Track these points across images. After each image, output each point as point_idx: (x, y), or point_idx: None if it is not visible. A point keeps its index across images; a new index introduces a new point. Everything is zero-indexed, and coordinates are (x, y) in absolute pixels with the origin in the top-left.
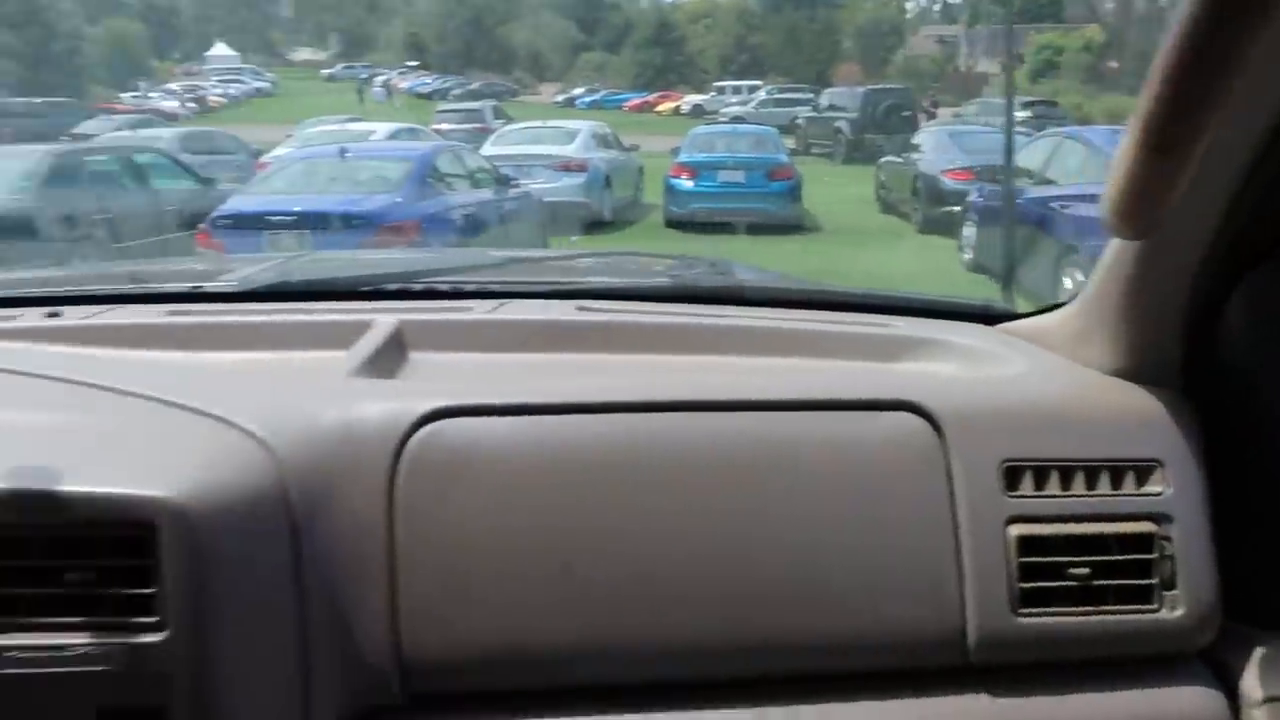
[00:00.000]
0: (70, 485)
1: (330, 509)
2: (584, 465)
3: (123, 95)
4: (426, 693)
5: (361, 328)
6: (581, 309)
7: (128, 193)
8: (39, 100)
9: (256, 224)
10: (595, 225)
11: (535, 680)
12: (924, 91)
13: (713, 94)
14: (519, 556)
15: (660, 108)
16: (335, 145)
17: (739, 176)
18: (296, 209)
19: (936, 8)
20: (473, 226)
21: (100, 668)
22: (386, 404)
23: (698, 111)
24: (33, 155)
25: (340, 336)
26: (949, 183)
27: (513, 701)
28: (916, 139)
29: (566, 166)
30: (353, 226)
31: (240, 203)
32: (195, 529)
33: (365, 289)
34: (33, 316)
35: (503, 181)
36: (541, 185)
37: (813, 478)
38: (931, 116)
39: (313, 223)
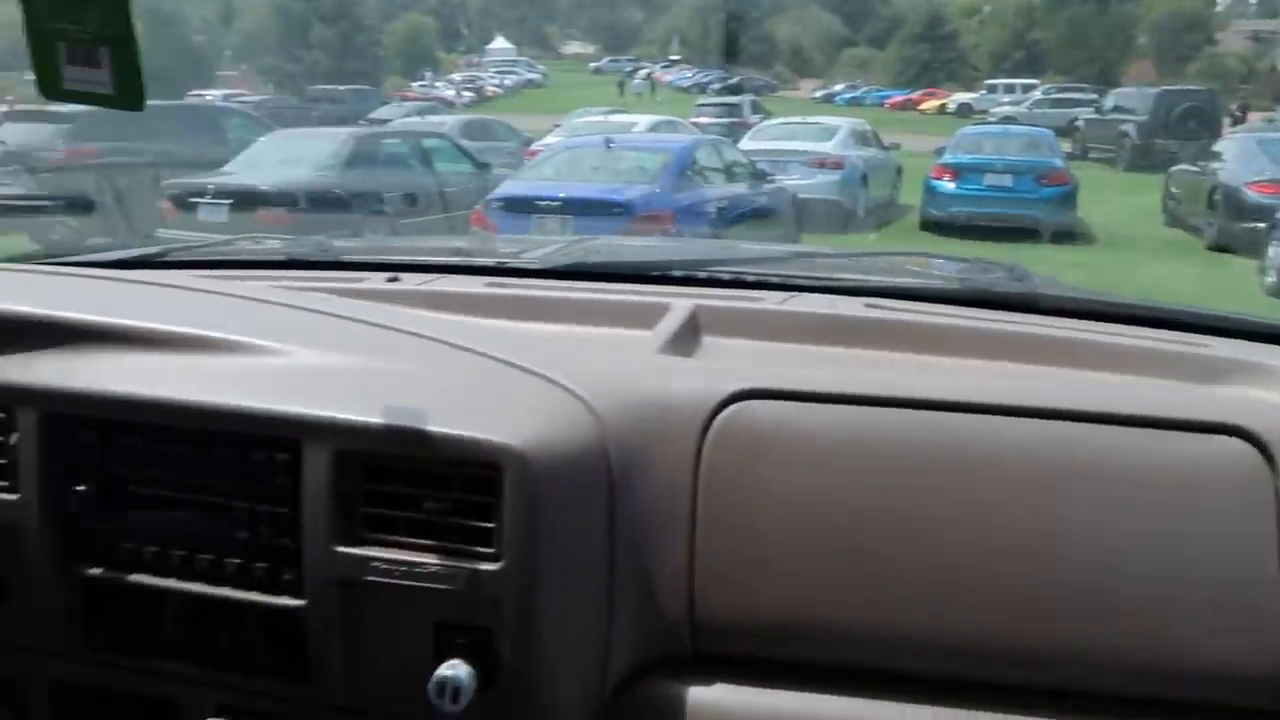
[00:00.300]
0: (434, 426)
1: (643, 471)
2: (886, 457)
3: (412, 84)
4: (712, 653)
5: (660, 309)
6: (870, 306)
7: (414, 173)
8: (342, 88)
9: (525, 208)
10: (848, 224)
11: (815, 655)
12: (1230, 94)
13: (982, 92)
14: (813, 537)
15: (924, 106)
16: (600, 135)
17: (1006, 180)
18: (561, 195)
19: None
20: (725, 219)
21: (444, 586)
22: (697, 380)
23: (964, 110)
24: (338, 137)
25: (641, 316)
26: (1254, 196)
27: (791, 673)
28: (1217, 146)
29: (822, 163)
30: (611, 214)
31: (512, 187)
32: (533, 475)
33: (655, 274)
34: (376, 280)
35: (758, 176)
36: (796, 181)
37: (1120, 494)
38: (1239, 121)
39: (575, 208)
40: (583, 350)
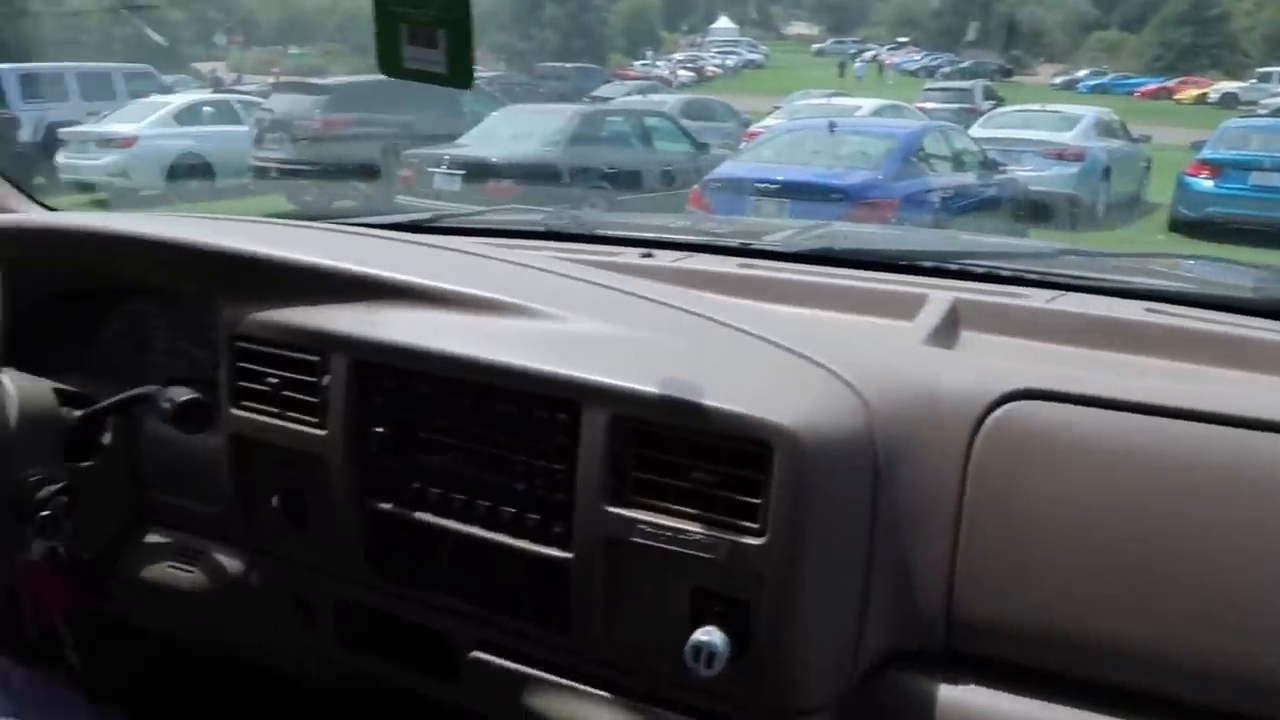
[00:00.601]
0: (707, 399)
1: (910, 462)
2: (1172, 471)
3: (634, 63)
4: (966, 652)
5: (917, 300)
6: (1150, 310)
7: (634, 151)
8: (568, 65)
9: (743, 189)
10: (1084, 219)
11: (1072, 667)
12: None
13: (1253, 81)
14: (1083, 546)
15: (1180, 95)
16: (823, 119)
17: (1276, 180)
18: (780, 178)
19: None
20: (950, 209)
21: (706, 555)
22: (969, 376)
23: (1229, 101)
24: (564, 114)
25: (899, 306)
26: None
27: (1045, 682)
28: None
29: (1060, 154)
30: (830, 199)
31: (731, 168)
32: (802, 455)
33: (903, 263)
34: (630, 255)
35: (989, 166)
36: (1029, 172)
37: None
38: None
39: (793, 192)
40: (845, 336)
